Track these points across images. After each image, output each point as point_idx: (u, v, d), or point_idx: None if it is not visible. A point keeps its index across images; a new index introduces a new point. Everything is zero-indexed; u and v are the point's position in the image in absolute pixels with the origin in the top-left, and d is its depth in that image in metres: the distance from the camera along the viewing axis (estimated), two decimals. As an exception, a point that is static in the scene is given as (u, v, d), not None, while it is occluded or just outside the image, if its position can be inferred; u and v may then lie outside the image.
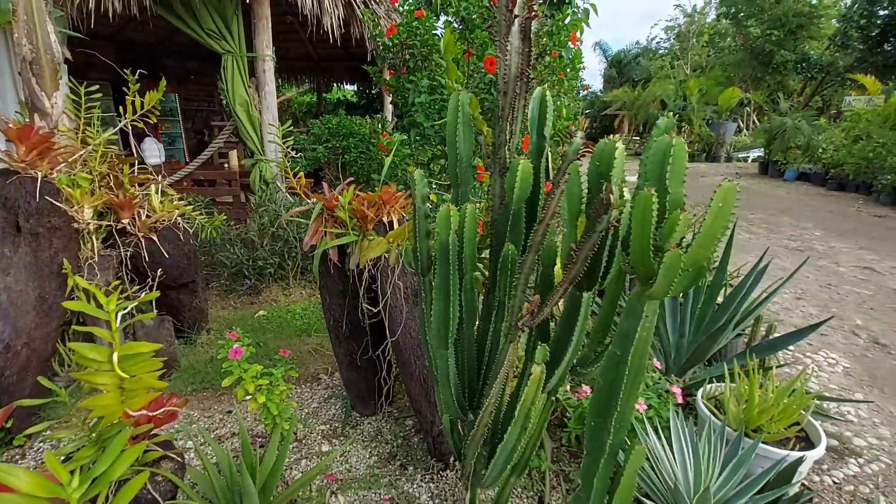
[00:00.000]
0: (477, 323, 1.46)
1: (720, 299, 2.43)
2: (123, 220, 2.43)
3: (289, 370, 1.95)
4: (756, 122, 17.96)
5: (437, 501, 1.77)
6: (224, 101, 4.33)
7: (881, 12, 13.36)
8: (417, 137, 3.42)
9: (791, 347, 3.01)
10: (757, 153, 12.07)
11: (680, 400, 1.80)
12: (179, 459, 1.57)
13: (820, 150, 9.69)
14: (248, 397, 1.74)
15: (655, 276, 0.85)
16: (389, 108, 6.56)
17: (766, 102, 15.84)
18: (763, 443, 1.62)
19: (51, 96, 2.22)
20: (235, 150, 5.30)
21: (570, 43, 4.16)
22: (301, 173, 2.19)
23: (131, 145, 2.86)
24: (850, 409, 2.41)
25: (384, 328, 2.00)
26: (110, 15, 3.64)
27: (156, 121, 2.58)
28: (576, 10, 12.51)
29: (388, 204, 2.09)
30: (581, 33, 12.15)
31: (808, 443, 1.74)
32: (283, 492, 1.65)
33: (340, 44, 4.86)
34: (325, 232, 2.03)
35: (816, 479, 1.97)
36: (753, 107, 18.49)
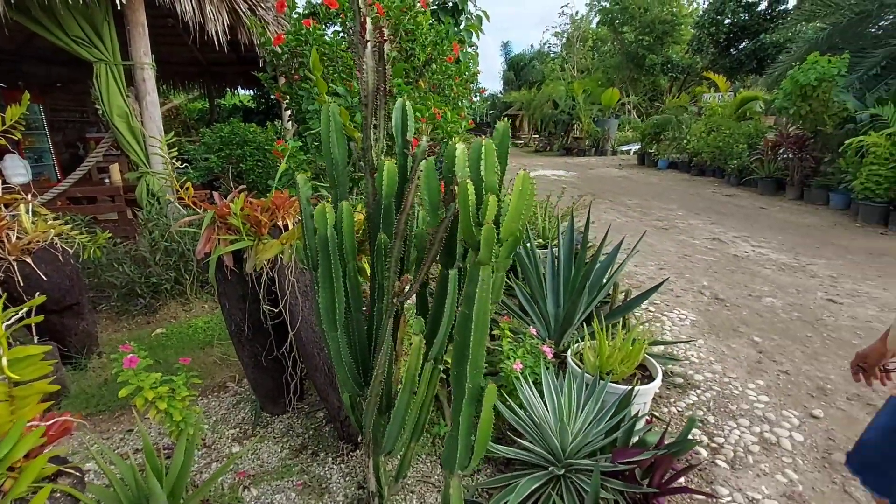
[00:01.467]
0: (365, 306, 1.64)
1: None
2: (-11, 244, 2.27)
3: (191, 377, 1.99)
4: (636, 118, 20.07)
5: (347, 479, 1.92)
6: (100, 111, 4.06)
7: (726, 21, 15.62)
8: (316, 143, 3.52)
9: (652, 308, 3.56)
10: (636, 146, 13.54)
11: (550, 357, 2.13)
12: (77, 474, 1.57)
13: (685, 142, 11.14)
14: (150, 407, 1.76)
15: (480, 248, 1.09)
16: (287, 114, 6.49)
17: (644, 101, 17.71)
18: (613, 382, 1.98)
19: None
20: (117, 164, 4.97)
21: (453, 52, 4.46)
22: (189, 184, 2.21)
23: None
24: (693, 353, 2.94)
25: (286, 326, 2.10)
26: (-48, 21, 3.29)
27: (19, 136, 2.43)
28: (469, 16, 13.10)
29: (281, 208, 2.19)
30: (477, 37, 12.64)
31: (650, 379, 2.15)
32: (192, 494, 1.71)
33: (230, 49, 4.77)
34: (219, 240, 2.09)
35: (665, 410, 2.41)
36: (633, 105, 20.63)
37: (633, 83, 20.95)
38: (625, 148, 15.45)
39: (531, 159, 15.15)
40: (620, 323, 2.81)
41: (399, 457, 1.80)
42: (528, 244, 2.92)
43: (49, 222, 2.65)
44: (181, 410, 1.83)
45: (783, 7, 15.13)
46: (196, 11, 4.08)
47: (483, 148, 1.09)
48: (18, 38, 5.97)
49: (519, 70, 25.11)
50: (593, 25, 24.63)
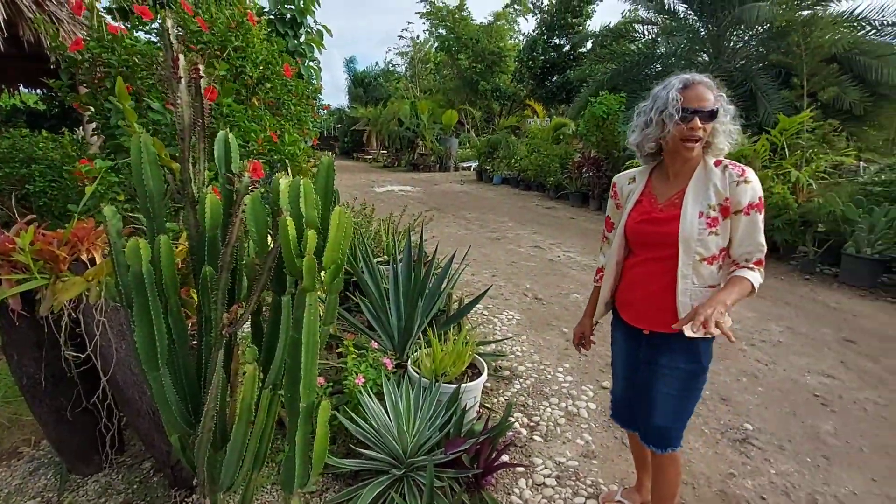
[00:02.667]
0: (193, 340, 1.60)
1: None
2: None
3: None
4: (475, 137, 21.97)
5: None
6: None
7: (540, 57, 18.14)
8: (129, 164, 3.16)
9: (486, 312, 4.02)
10: (475, 163, 14.84)
11: (391, 367, 2.30)
12: None
13: (513, 160, 12.60)
14: None
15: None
16: (92, 126, 5.61)
17: (481, 122, 19.46)
18: (446, 383, 2.24)
19: None
20: None
21: (292, 66, 4.43)
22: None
23: None
24: (518, 347, 3.42)
25: (98, 372, 1.89)
26: None
27: None
28: (309, 30, 12.91)
29: (85, 240, 1.96)
30: (319, 52, 12.50)
31: (480, 376, 2.46)
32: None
33: (8, 44, 3.97)
34: (4, 280, 1.79)
35: (495, 400, 2.76)
36: (472, 124, 22.54)
37: (471, 105, 22.91)
38: (466, 164, 16.79)
39: (380, 174, 15.48)
40: (457, 328, 3.14)
41: (241, 491, 1.77)
42: (369, 262, 3.07)
43: None
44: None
45: (582, 50, 18.21)
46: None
47: (301, 187, 1.20)
48: None
49: (366, 86, 25.46)
50: (433, 50, 26.26)
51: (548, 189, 10.77)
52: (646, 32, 12.09)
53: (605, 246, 1.80)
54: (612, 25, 12.88)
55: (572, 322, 3.85)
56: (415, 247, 4.13)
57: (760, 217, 1.41)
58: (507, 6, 21.67)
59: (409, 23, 37.11)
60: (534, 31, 19.04)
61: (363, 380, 2.14)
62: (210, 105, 3.29)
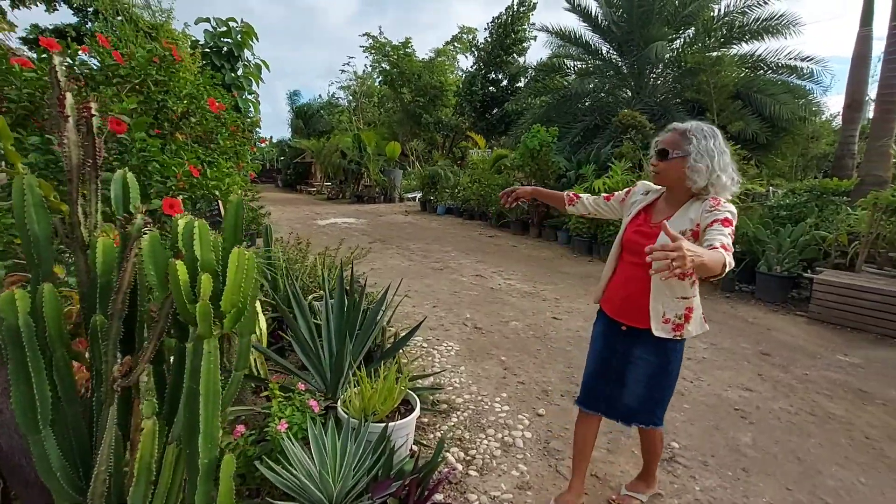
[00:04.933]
0: (84, 397, 1.46)
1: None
2: None
3: None
4: (420, 168, 22.31)
5: None
6: None
7: (479, 91, 18.90)
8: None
9: (425, 344, 3.99)
10: (420, 194, 15.01)
11: (317, 410, 2.21)
12: None
13: (455, 190, 12.86)
14: None
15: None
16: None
17: (425, 153, 19.82)
18: (375, 422, 2.17)
19: None
20: None
21: (217, 100, 4.34)
22: None
23: None
24: (456, 378, 3.40)
25: (-24, 437, 1.68)
26: None
27: None
28: (247, 63, 12.74)
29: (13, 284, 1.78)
30: (257, 85, 12.30)
31: (412, 412, 2.42)
32: None
33: None
34: None
35: (431, 436, 2.71)
36: (416, 156, 22.91)
37: (414, 136, 23.34)
38: (410, 195, 16.94)
39: (323, 207, 15.26)
40: (393, 362, 3.08)
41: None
42: (298, 298, 2.98)
43: None
44: None
45: (518, 84, 19.19)
46: None
47: (196, 228, 1.16)
48: None
49: (307, 118, 25.34)
50: (377, 83, 26.72)
51: (490, 218, 11.04)
52: (574, 68, 12.96)
53: (593, 199, 2.19)
54: (544, 60, 13.69)
55: (512, 350, 3.90)
56: (351, 280, 4.07)
57: (725, 229, 1.54)
58: (447, 43, 22.59)
59: (350, 57, 37.66)
60: (472, 66, 19.88)
61: (286, 425, 2.04)
62: (115, 141, 3.13)
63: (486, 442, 2.65)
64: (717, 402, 3.17)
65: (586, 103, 12.22)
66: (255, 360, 3.07)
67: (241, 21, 13.92)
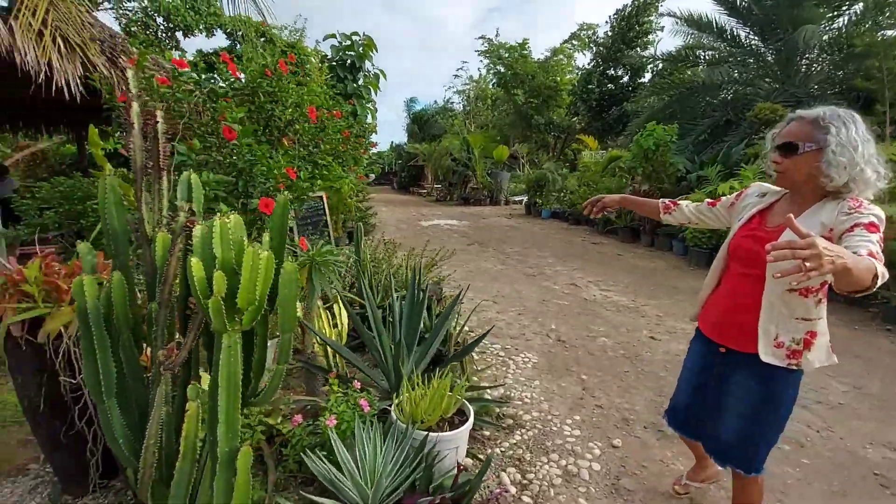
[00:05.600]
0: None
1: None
2: None
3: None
4: (530, 170, 21.92)
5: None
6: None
7: (595, 89, 17.94)
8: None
9: (502, 353, 3.84)
10: (525, 197, 14.72)
11: (367, 410, 2.23)
12: None
13: (562, 194, 12.34)
14: None
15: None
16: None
17: (536, 155, 19.45)
18: (422, 430, 2.12)
19: None
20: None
21: (309, 114, 4.62)
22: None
23: None
24: (528, 393, 3.21)
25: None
26: None
27: None
28: (367, 73, 13.71)
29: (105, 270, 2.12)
30: (375, 93, 13.14)
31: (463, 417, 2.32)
32: None
33: (92, 95, 4.51)
34: (8, 308, 1.96)
35: (489, 451, 2.58)
36: (526, 159, 22.55)
37: (525, 139, 22.99)
38: (517, 198, 16.68)
39: (430, 208, 15.74)
40: (446, 369, 3.01)
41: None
42: (370, 300, 3.05)
43: None
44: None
45: (642, 80, 17.78)
46: (40, 63, 3.88)
47: (216, 229, 1.21)
48: None
49: (422, 123, 26.44)
50: (491, 87, 26.89)
51: (597, 224, 10.38)
52: (705, 58, 11.59)
53: (694, 206, 1.96)
54: (672, 51, 12.42)
55: (595, 368, 3.58)
56: (434, 282, 4.07)
57: (871, 235, 1.24)
58: (565, 42, 21.85)
59: (463, 62, 38.35)
60: (589, 63, 18.93)
61: (335, 421, 2.08)
62: (231, 145, 3.47)
63: (547, 467, 2.44)
64: (849, 461, 2.54)
65: (718, 97, 10.86)
66: (332, 354, 3.23)
67: (363, 35, 14.97)
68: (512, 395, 3.18)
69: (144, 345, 1.68)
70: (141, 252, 1.54)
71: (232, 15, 12.12)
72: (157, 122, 1.45)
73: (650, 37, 17.19)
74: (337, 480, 1.86)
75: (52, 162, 12.41)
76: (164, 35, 11.77)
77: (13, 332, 1.93)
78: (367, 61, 14.24)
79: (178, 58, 4.29)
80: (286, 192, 3.12)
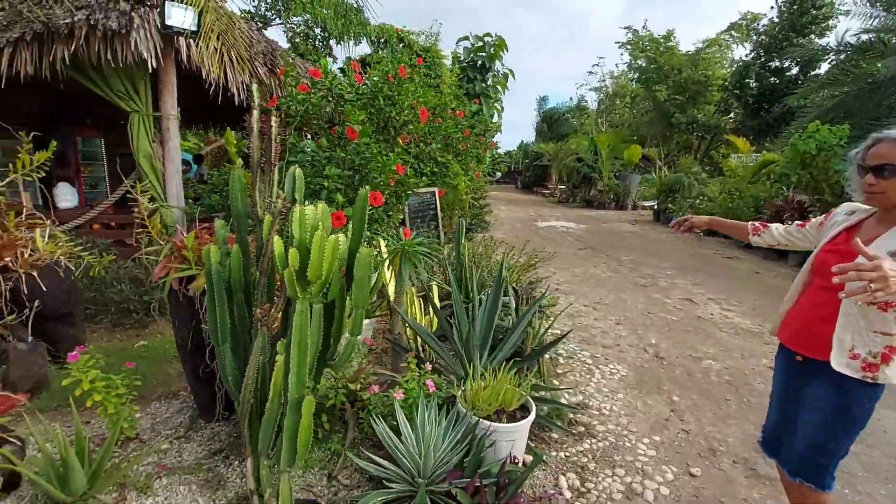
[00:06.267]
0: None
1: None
2: (5, 258, 2.84)
3: (134, 380, 2.41)
4: (666, 174, 20.14)
5: (241, 478, 2.24)
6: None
7: (753, 84, 15.76)
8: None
9: (589, 360, 3.74)
10: (655, 202, 13.62)
11: (432, 391, 2.40)
12: (18, 443, 1.98)
13: (698, 201, 11.17)
14: (92, 399, 2.18)
15: (289, 286, 1.46)
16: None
17: (664, 157, 17.85)
18: (482, 418, 2.24)
19: (-56, 155, 2.67)
20: (146, 197, 5.70)
21: (420, 115, 4.92)
22: (157, 217, 2.71)
23: (42, 192, 3.29)
24: (608, 405, 3.10)
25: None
26: (22, 77, 4.10)
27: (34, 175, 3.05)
28: (496, 73, 14.09)
29: (231, 241, 2.65)
30: (502, 93, 13.51)
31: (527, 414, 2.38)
32: (110, 474, 2.09)
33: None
34: (172, 268, 2.55)
35: (555, 453, 2.59)
36: (664, 161, 20.76)
37: (665, 139, 21.17)
38: (647, 203, 15.50)
39: (550, 209, 15.45)
40: (536, 367, 3.06)
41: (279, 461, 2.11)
42: (456, 292, 3.22)
43: (59, 243, 3.23)
44: (115, 404, 2.25)
45: (817, 71, 15.12)
46: (220, 75, 4.81)
47: (297, 213, 1.48)
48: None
49: (552, 122, 25.91)
50: (631, 82, 25.28)
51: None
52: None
53: (783, 227, 1.94)
54: (855, 39, 10.37)
55: (691, 391, 3.30)
56: (529, 283, 4.12)
57: None
58: (722, 32, 19.57)
59: (600, 57, 36.33)
60: (747, 55, 16.66)
61: (402, 395, 2.30)
62: (352, 143, 3.91)
63: (609, 481, 2.38)
64: None
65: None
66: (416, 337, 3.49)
67: (495, 36, 15.16)
68: (590, 403, 3.11)
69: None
70: (253, 229, 1.92)
71: (377, 25, 13.34)
72: (272, 126, 1.79)
73: (830, 21, 14.51)
74: (394, 447, 2.08)
75: (231, 155, 14.96)
76: (320, 44, 13.41)
77: (174, 286, 2.52)
78: (497, 61, 14.50)
79: (330, 64, 4.92)
80: (383, 187, 3.45)
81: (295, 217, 1.50)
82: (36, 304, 2.93)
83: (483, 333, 2.85)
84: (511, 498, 1.91)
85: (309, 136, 4.40)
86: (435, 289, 3.95)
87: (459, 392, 2.50)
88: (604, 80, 26.47)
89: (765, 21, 16.10)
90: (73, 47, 3.94)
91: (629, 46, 20.62)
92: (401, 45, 13.39)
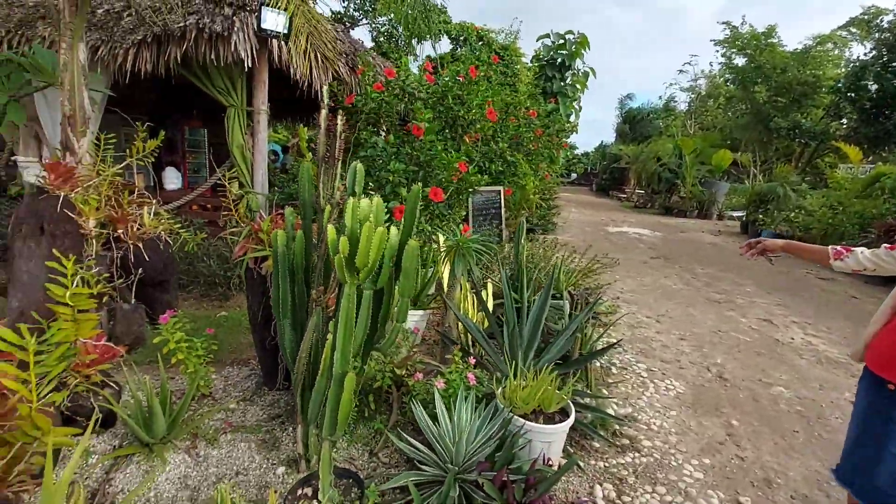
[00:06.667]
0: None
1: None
2: (118, 230, 3.31)
3: (211, 344, 2.72)
4: (760, 182, 18.41)
5: (293, 442, 2.45)
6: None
7: (872, 86, 13.94)
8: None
9: (645, 374, 3.60)
10: (744, 213, 12.56)
11: (473, 383, 2.47)
12: (116, 388, 2.34)
13: (794, 214, 10.15)
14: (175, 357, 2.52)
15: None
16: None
17: (759, 164, 16.36)
18: (514, 414, 2.28)
19: (79, 140, 3.16)
20: (236, 182, 6.30)
21: (488, 115, 4.96)
22: (243, 204, 3.02)
23: (152, 175, 3.79)
24: (659, 421, 2.98)
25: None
26: (142, 74, 4.70)
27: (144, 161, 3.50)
28: (576, 72, 13.84)
29: (299, 226, 2.89)
30: (582, 92, 13.35)
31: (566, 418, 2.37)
32: (186, 423, 2.40)
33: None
34: (249, 248, 2.84)
35: (594, 463, 2.56)
36: (759, 168, 19.00)
37: (761, 145, 19.37)
38: (736, 214, 14.33)
39: (624, 215, 14.79)
40: (583, 374, 3.03)
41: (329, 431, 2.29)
42: (508, 294, 3.25)
43: (162, 220, 3.69)
44: (195, 363, 2.56)
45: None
46: (306, 73, 5.18)
47: (350, 205, 1.61)
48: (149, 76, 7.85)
49: (634, 123, 24.66)
50: (726, 82, 23.40)
51: (836, 256, 8.27)
52: None
53: (870, 252, 1.79)
54: None
55: (753, 417, 3.08)
56: (586, 288, 4.05)
57: None
58: (838, 28, 17.50)
59: (692, 55, 33.86)
60: (866, 54, 14.74)
61: (443, 385, 2.40)
62: (419, 141, 4.06)
63: (648, 496, 2.31)
64: None
65: None
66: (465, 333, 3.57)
67: (578, 33, 14.71)
68: (639, 417, 3.01)
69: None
70: (316, 218, 2.11)
71: (457, 23, 13.49)
72: (337, 124, 1.96)
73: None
74: (430, 432, 2.18)
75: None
76: (403, 43, 13.83)
77: (250, 264, 2.80)
78: (577, 59, 14.07)
79: (411, 63, 5.12)
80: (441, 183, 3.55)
81: (348, 209, 1.64)
82: (139, 271, 3.39)
83: (529, 334, 2.87)
84: (539, 496, 1.94)
85: (382, 133, 4.63)
86: (490, 287, 4.01)
87: (499, 389, 2.55)
88: (696, 80, 24.72)
89: (889, 17, 14.10)
90: (184, 48, 4.45)
91: (726, 44, 19.06)
92: (479, 44, 13.47)
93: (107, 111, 4.81)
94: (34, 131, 5.49)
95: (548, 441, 2.30)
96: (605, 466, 2.53)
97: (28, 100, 4.37)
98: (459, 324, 3.31)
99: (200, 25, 4.35)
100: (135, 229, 3.42)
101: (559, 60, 13.61)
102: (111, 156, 3.35)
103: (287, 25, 4.38)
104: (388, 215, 3.75)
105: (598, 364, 3.71)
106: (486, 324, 3.66)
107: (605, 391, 3.27)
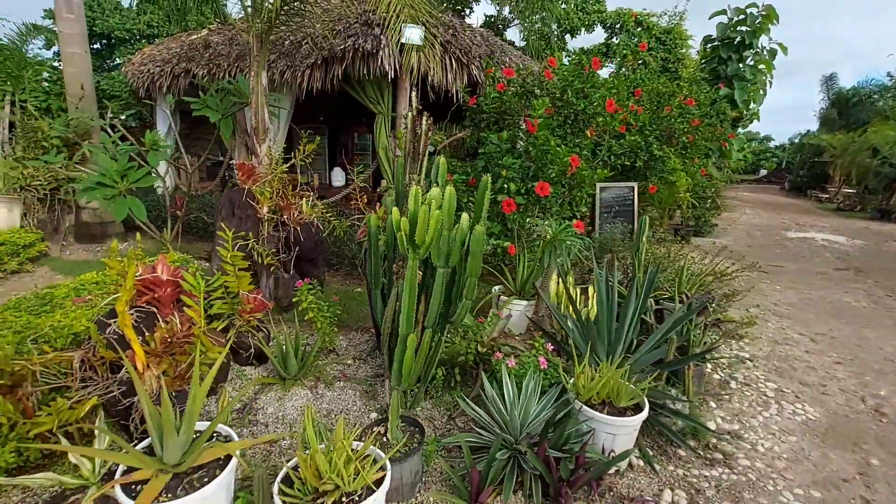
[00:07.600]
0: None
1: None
2: (284, 216, 4.22)
3: (336, 310, 3.35)
4: None
5: (386, 399, 2.90)
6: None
7: None
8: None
9: (770, 392, 3.17)
10: None
11: (544, 366, 2.56)
12: (267, 333, 3.08)
13: None
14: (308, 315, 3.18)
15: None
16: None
17: None
18: (586, 405, 2.33)
19: (261, 146, 4.13)
20: (384, 181, 7.20)
21: (608, 108, 4.74)
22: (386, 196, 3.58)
23: (325, 174, 4.72)
24: (769, 444, 2.65)
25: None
26: (314, 91, 5.76)
27: (306, 160, 4.33)
28: (760, 50, 12.36)
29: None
30: (768, 73, 11.92)
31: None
32: (312, 367, 3.03)
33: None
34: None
35: (672, 468, 2.44)
36: None
37: None
38: None
39: (815, 218, 12.25)
40: (682, 381, 2.87)
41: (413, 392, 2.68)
42: (599, 289, 3.21)
43: (316, 209, 4.55)
44: (323, 322, 3.19)
45: None
46: (443, 79, 5.70)
47: (413, 191, 1.92)
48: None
49: (849, 107, 19.91)
50: None
51: None
52: None
53: None
54: None
55: (909, 462, 2.51)
56: (708, 292, 3.74)
57: None
58: None
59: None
60: None
61: (514, 363, 2.56)
62: (532, 136, 4.21)
63: (725, 512, 2.14)
64: None
65: None
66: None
67: (763, 5, 12.67)
68: (745, 436, 2.72)
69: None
70: (404, 205, 2.48)
71: (613, 10, 12.80)
72: (422, 123, 2.28)
73: None
74: (489, 401, 2.38)
75: (468, 146, 16.81)
76: (555, 39, 13.68)
77: (365, 245, 3.34)
78: (762, 36, 12.06)
79: (555, 59, 5.28)
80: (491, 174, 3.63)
81: (412, 195, 1.95)
82: (296, 248, 4.26)
83: (615, 330, 2.83)
84: (584, 477, 2.00)
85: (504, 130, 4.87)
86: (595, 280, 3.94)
87: (573, 377, 2.60)
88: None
89: None
90: (343, 66, 5.34)
91: None
92: (638, 30, 12.56)
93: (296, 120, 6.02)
94: (244, 140, 7.13)
95: (611, 433, 2.30)
96: (683, 475, 2.39)
97: (241, 115, 5.77)
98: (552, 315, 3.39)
99: (356, 46, 5.16)
100: (295, 216, 4.30)
101: (737, 39, 11.90)
102: (292, 158, 4.28)
103: (423, 37, 4.91)
104: (495, 207, 3.98)
105: (715, 374, 3.40)
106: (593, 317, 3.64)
107: (711, 402, 3.01)
